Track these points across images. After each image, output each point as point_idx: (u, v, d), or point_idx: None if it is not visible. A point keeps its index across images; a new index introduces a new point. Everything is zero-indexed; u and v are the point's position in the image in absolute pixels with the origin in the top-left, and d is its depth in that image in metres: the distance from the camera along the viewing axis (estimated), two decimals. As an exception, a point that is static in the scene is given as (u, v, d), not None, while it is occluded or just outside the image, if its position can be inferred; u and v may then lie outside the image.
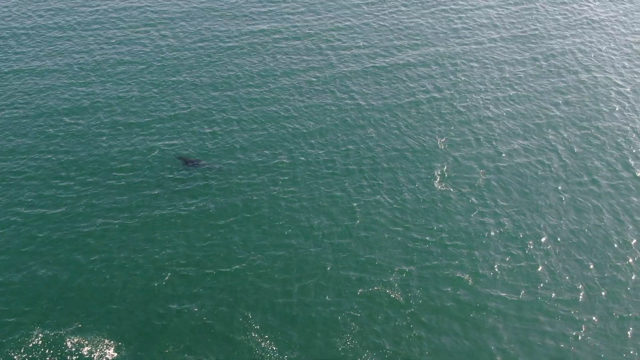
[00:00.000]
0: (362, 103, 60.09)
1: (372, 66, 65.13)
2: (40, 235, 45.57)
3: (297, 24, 70.93)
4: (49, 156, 51.82)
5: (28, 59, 62.62)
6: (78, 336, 39.86)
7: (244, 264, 44.74)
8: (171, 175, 50.91)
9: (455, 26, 72.79)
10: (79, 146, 52.96)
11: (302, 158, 53.45)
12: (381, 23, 72.45)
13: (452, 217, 48.97)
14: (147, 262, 44.26)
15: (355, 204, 49.74)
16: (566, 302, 43.41)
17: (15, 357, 38.66)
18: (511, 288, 44.09)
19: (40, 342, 39.43)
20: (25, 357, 38.70)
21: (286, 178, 51.58)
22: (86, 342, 39.57)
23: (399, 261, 45.49)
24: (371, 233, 47.49)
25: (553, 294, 43.84)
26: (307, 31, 69.94)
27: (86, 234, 45.85)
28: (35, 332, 39.83)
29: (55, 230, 45.97)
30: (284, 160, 53.18)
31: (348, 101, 60.18)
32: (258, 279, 43.92)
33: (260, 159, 53.14)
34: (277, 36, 68.83)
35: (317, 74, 63.41)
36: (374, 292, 43.39)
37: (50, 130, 54.20)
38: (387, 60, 66.21)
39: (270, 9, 73.67)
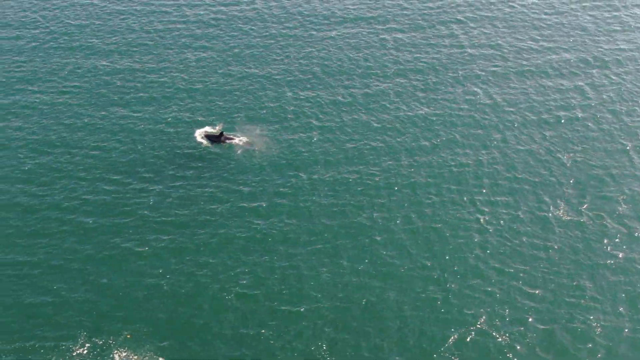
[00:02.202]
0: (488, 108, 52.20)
1: (504, 69, 57.00)
2: (99, 244, 40.87)
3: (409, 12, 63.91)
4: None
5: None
6: (127, 349, 34.78)
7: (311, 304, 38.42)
8: (242, 188, 45.49)
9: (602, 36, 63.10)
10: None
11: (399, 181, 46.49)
12: (517, 18, 64.09)
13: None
14: (209, 282, 38.62)
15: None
16: None
17: (57, 365, 34.21)
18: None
19: (86, 351, 34.71)
20: (68, 365, 34.20)
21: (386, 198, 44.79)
22: (135, 357, 34.43)
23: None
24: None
25: None
26: (424, 21, 62.79)
27: (151, 247, 40.84)
28: (81, 340, 35.17)
29: (115, 239, 41.31)
30: (382, 180, 46.43)
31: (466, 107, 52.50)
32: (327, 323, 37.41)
33: (374, 168, 46.70)
34: (385, 26, 62.07)
35: (433, 78, 56.04)
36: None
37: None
38: (521, 63, 57.81)
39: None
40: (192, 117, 50.57)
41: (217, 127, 49.09)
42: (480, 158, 47.81)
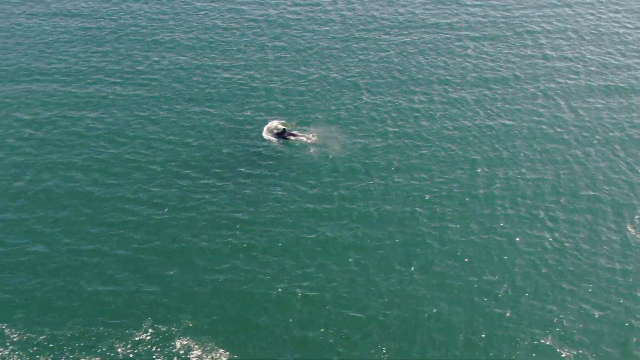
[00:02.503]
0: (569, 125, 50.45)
1: (588, 83, 55.07)
2: (168, 237, 41.19)
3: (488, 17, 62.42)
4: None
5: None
6: (188, 338, 34.80)
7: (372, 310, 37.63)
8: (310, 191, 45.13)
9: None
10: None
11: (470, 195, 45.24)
12: (602, 30, 61.92)
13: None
14: (274, 281, 38.18)
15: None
16: None
17: (119, 349, 34.40)
18: None
19: (148, 337, 34.89)
20: (130, 350, 34.34)
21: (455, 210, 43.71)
22: (196, 346, 34.40)
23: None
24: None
25: None
26: (503, 28, 61.19)
27: (218, 243, 40.71)
28: (145, 326, 35.41)
29: (183, 233, 41.50)
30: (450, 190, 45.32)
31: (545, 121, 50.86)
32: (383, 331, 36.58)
33: (437, 179, 45.78)
34: (465, 32, 60.82)
35: (513, 88, 54.53)
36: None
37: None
38: (605, 76, 55.77)
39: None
40: (264, 115, 50.62)
41: (283, 124, 49.04)
42: (559, 172, 46.15)
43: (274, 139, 48.11)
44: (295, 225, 41.57)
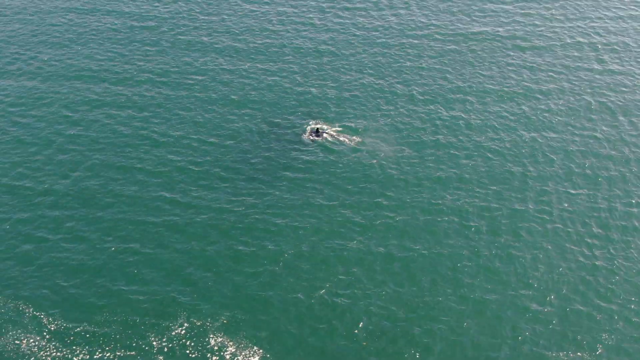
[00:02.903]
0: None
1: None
2: (205, 238, 41.05)
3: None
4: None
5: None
6: (223, 335, 34.57)
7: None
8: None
9: None
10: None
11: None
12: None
13: None
14: (308, 284, 37.76)
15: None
16: None
17: (154, 342, 34.35)
18: None
19: (183, 331, 34.78)
20: (165, 345, 34.24)
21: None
22: (230, 344, 34.14)
23: None
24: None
25: None
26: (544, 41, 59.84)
27: (255, 245, 40.69)
28: (180, 320, 35.31)
29: (221, 233, 41.53)
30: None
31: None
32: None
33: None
34: (522, 43, 59.74)
35: (574, 104, 53.25)
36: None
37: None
38: (659, 90, 54.13)
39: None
40: (307, 119, 50.32)
41: (320, 127, 48.90)
42: (611, 187, 44.68)
43: (317, 138, 47.94)
44: (334, 232, 41.06)
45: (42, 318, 35.66)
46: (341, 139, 47.95)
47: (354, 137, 48.26)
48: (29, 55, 57.38)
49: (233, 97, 52.79)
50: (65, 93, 52.81)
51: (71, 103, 51.73)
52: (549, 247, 40.07)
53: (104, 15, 63.77)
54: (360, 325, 35.40)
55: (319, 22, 63.17)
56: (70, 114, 50.51)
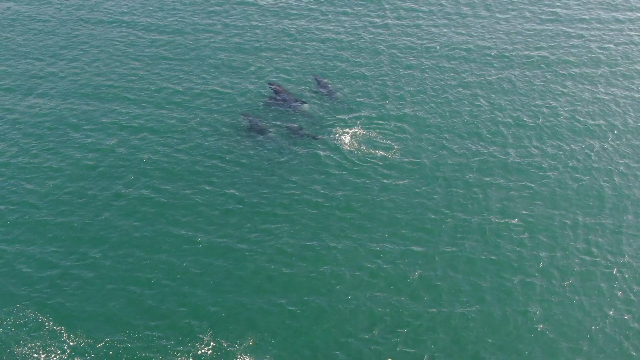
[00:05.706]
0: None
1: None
2: (234, 260, 39.56)
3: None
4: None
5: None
6: (249, 356, 32.90)
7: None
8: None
9: None
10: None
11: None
12: None
13: None
14: (335, 305, 36.20)
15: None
16: None
17: (179, 361, 32.82)
18: None
19: (210, 351, 33.20)
20: (190, 364, 32.69)
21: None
22: (258, 365, 32.49)
23: None
24: None
25: None
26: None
27: (287, 266, 39.26)
28: (206, 339, 33.74)
29: (248, 258, 40.17)
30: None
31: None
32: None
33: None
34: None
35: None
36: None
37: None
38: None
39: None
40: (348, 123, 49.06)
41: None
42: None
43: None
44: (363, 247, 39.58)
45: (62, 332, 34.34)
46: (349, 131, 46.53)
47: (395, 146, 46.85)
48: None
49: (271, 115, 51.71)
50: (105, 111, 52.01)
51: (114, 114, 50.83)
52: (611, 265, 38.03)
53: (150, 31, 63.16)
54: (396, 346, 33.60)
55: (349, 29, 62.14)
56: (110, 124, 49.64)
